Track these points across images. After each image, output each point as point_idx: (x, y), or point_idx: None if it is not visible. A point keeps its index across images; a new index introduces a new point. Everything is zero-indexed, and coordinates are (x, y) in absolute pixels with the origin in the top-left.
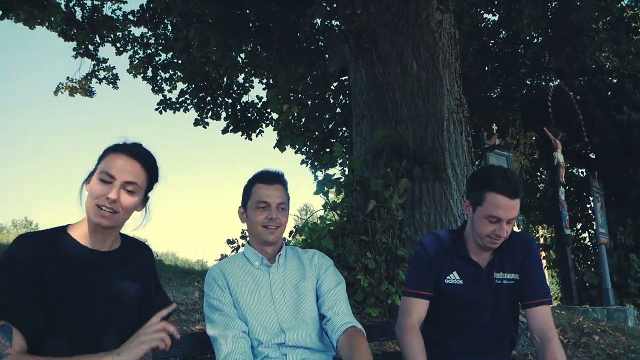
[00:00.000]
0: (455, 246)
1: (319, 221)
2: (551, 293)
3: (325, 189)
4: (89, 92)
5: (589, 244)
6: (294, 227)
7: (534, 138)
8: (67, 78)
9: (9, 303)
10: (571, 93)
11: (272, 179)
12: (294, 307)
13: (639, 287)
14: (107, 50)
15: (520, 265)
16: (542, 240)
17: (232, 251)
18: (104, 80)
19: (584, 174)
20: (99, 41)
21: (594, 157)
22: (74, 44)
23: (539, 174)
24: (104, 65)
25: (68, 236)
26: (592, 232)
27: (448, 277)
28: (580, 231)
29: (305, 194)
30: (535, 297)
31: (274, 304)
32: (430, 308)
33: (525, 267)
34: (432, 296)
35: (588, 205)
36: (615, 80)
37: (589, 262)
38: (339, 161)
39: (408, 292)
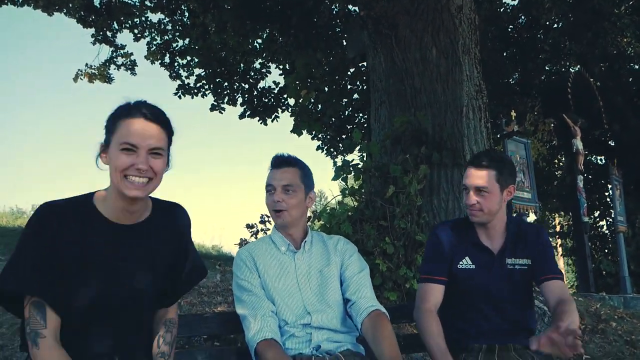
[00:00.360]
0: (466, 233)
1: (337, 207)
2: (567, 281)
3: (344, 174)
4: (108, 79)
5: (607, 232)
6: (312, 212)
7: (552, 125)
8: (86, 64)
9: (39, 278)
10: (591, 79)
11: (278, 163)
12: (319, 291)
13: None
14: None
15: (532, 251)
16: (558, 228)
17: (252, 236)
18: (122, 67)
19: (603, 161)
20: (116, 27)
21: (613, 144)
22: (92, 30)
23: (556, 161)
24: (121, 51)
25: (93, 208)
26: (610, 220)
27: (461, 263)
28: (597, 219)
29: (319, 179)
30: (550, 272)
31: (299, 288)
32: (446, 294)
33: (537, 252)
34: (447, 281)
35: (606, 193)
36: (637, 67)
37: (606, 250)
38: (357, 147)
39: (423, 278)
